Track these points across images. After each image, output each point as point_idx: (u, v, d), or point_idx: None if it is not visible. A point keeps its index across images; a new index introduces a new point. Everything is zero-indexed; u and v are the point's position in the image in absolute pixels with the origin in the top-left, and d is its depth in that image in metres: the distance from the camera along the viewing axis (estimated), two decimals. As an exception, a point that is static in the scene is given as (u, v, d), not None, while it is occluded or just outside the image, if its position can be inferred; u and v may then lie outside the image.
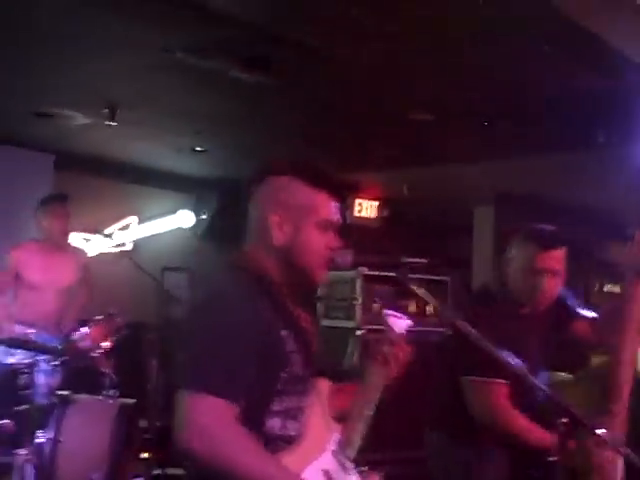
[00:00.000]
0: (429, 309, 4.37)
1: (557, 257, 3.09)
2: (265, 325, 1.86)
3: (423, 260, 3.31)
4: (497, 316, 3.01)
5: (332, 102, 5.01)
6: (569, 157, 5.78)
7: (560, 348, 3.24)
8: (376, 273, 3.99)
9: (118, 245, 6.82)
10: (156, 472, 4.69)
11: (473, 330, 2.07)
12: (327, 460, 1.96)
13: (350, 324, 3.93)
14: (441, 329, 4.37)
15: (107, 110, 5.19)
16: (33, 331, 4.66)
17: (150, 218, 7.45)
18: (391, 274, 2.38)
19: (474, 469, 3.09)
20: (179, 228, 7.65)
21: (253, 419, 1.81)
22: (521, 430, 2.92)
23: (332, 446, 1.99)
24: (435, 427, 3.26)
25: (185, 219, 7.68)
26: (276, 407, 1.87)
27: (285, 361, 1.88)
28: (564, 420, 2.03)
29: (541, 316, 3.15)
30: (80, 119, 5.60)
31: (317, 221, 1.98)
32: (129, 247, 6.85)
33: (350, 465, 2.00)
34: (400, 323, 2.15)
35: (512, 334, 2.71)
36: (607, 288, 8.76)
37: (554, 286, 3.08)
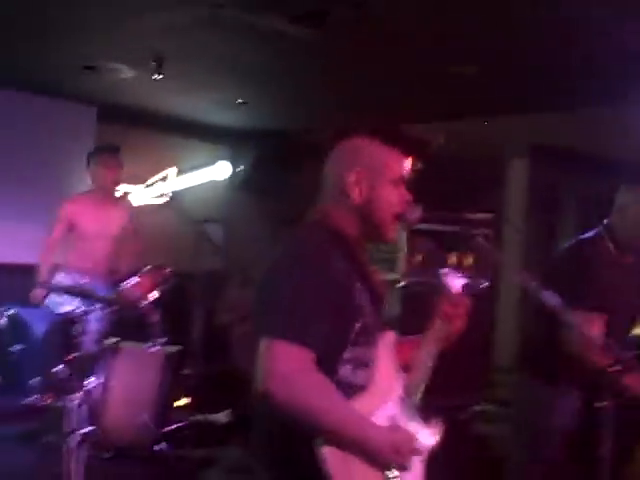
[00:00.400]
0: (467, 262, 4.46)
1: None
2: (342, 279, 1.97)
3: (486, 215, 3.39)
4: (597, 264, 3.15)
5: (375, 56, 5.02)
6: (603, 111, 5.77)
7: None
8: (419, 227, 4.07)
9: (158, 196, 6.95)
10: (198, 417, 4.85)
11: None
12: (393, 407, 2.07)
13: (393, 276, 4.03)
14: (483, 281, 4.47)
15: (154, 63, 5.24)
16: (86, 280, 4.85)
17: (189, 170, 7.57)
18: (445, 228, 2.51)
19: (553, 406, 3.32)
20: (216, 180, 7.77)
21: (327, 366, 1.91)
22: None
23: (398, 394, 2.10)
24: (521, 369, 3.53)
25: (222, 171, 7.77)
26: (348, 355, 1.97)
27: (359, 313, 2.00)
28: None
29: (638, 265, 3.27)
30: (126, 72, 5.67)
31: (391, 178, 2.10)
32: (168, 198, 6.96)
33: (414, 412, 2.12)
34: (457, 281, 2.26)
35: (612, 279, 2.79)
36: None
37: None
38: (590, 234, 3.40)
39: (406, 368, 2.16)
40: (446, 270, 2.30)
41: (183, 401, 4.94)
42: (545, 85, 5.35)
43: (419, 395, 2.14)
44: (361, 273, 2.06)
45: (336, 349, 1.95)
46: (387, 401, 2.06)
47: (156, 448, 4.33)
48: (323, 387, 1.87)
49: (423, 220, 2.23)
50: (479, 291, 3.87)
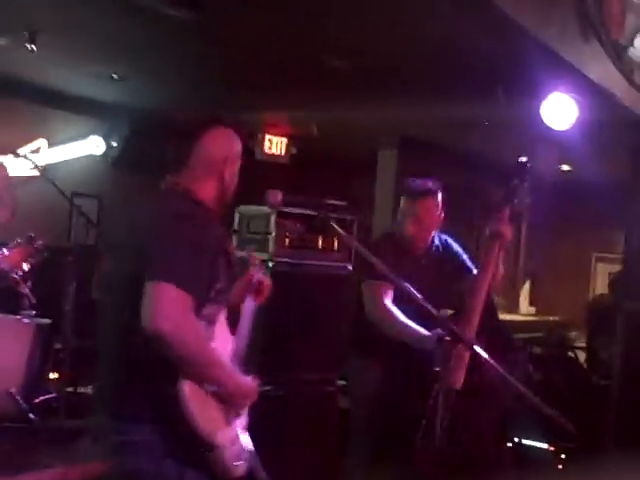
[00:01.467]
0: (335, 245, 4.72)
1: (424, 205, 3.76)
2: (213, 243, 2.25)
3: (342, 203, 3.72)
4: (393, 252, 3.61)
5: (251, 43, 5.19)
6: (470, 107, 6.17)
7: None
8: (288, 210, 4.29)
9: (29, 168, 6.84)
10: (68, 390, 4.90)
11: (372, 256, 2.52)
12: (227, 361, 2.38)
13: (264, 256, 4.23)
14: (346, 264, 4.77)
15: (27, 33, 5.19)
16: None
17: (61, 142, 7.48)
18: (312, 212, 2.82)
19: (363, 378, 3.83)
20: (89, 154, 7.71)
21: None
22: (399, 322, 3.53)
23: (230, 352, 2.42)
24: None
25: (96, 145, 7.74)
26: (205, 311, 2.22)
27: (219, 275, 2.27)
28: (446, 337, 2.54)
29: (428, 263, 3.79)
30: (-1, 40, 5.58)
31: (238, 159, 2.50)
32: (39, 170, 6.86)
33: (241, 366, 2.44)
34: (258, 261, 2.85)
35: (403, 268, 3.16)
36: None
37: (422, 230, 3.78)
38: (384, 233, 4.03)
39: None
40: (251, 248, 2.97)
41: (53, 375, 4.96)
42: (408, 83, 5.68)
43: (243, 352, 2.49)
44: (223, 242, 2.37)
45: (200, 304, 2.19)
46: (224, 355, 2.35)
47: (26, 418, 4.36)
48: (202, 332, 2.16)
49: (285, 203, 2.56)
50: (335, 272, 4.41)
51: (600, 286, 10.26)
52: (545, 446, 5.36)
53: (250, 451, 2.41)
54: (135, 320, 2.05)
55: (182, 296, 2.06)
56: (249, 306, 2.67)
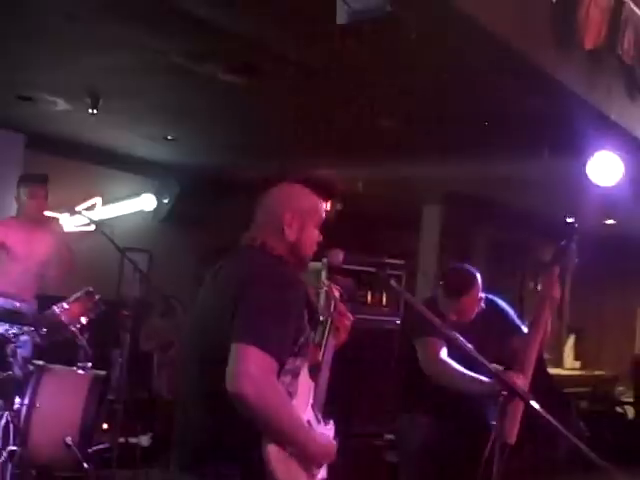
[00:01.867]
0: (384, 300, 4.81)
1: (464, 302, 3.77)
2: (297, 297, 2.27)
3: (399, 262, 3.83)
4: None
5: (300, 105, 5.38)
6: (515, 164, 6.27)
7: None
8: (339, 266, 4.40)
9: (84, 224, 7.07)
10: (121, 440, 5.00)
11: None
12: (309, 412, 2.40)
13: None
14: (395, 318, 4.86)
15: (89, 99, 5.45)
16: (16, 304, 4.96)
17: (114, 200, 7.74)
18: (363, 268, 2.92)
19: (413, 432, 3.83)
20: (141, 211, 7.97)
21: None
22: (458, 372, 3.52)
23: (311, 400, 2.43)
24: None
25: (147, 202, 8.00)
26: (289, 366, 2.25)
27: (304, 328, 2.30)
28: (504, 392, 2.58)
29: (475, 327, 3.75)
30: (62, 105, 5.85)
31: (317, 221, 2.49)
32: (92, 227, 7.08)
33: (320, 417, 2.46)
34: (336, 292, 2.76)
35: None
36: (540, 287, 9.43)
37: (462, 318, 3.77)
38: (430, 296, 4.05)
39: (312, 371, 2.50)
40: (327, 282, 2.78)
41: (106, 425, 5.07)
42: (458, 138, 5.81)
43: (322, 401, 2.50)
44: (305, 294, 2.38)
45: (285, 361, 2.23)
46: (306, 407, 2.38)
47: (81, 468, 4.46)
48: (285, 394, 2.18)
49: (346, 262, 2.63)
50: (384, 326, 4.48)
51: (646, 341, 10.15)
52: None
53: None
54: (221, 382, 2.08)
55: (266, 359, 2.09)
56: (329, 351, 2.64)
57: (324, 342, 2.64)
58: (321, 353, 2.60)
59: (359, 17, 3.25)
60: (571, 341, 10.59)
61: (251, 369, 2.06)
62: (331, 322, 2.68)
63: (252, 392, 2.05)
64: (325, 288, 2.80)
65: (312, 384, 2.46)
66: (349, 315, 2.72)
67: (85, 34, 4.28)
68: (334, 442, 2.38)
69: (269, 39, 4.12)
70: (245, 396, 2.05)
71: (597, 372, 9.69)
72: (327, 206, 2.53)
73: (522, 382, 3.23)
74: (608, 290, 10.17)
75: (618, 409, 7.33)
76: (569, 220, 3.64)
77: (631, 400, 7.56)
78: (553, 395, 3.84)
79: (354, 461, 4.69)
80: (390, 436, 5.47)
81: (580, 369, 10.30)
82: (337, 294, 2.77)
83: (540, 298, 3.57)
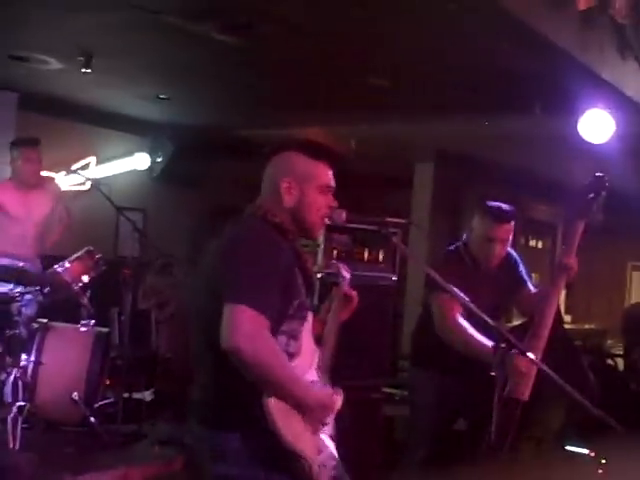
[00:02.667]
0: (381, 257, 4.91)
1: (507, 229, 3.79)
2: (288, 262, 2.38)
3: (402, 220, 3.90)
4: (460, 268, 3.73)
5: (294, 64, 5.41)
6: (507, 122, 6.33)
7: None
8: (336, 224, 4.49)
9: (79, 184, 7.12)
10: (125, 395, 5.12)
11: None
12: (313, 374, 2.52)
13: (313, 268, 4.42)
14: (391, 275, 4.95)
15: (82, 58, 5.45)
16: (19, 264, 5.04)
17: (108, 159, 7.78)
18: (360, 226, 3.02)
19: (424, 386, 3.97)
20: (134, 170, 8.00)
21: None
22: (469, 335, 3.55)
23: (315, 363, 2.54)
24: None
25: (141, 161, 8.03)
26: (284, 327, 2.37)
27: (297, 292, 2.41)
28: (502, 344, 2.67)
29: (494, 275, 3.85)
30: (54, 64, 5.84)
31: (317, 186, 2.53)
32: (87, 186, 7.12)
33: (325, 380, 2.58)
34: (345, 272, 2.88)
35: (471, 282, 3.31)
36: (531, 243, 9.57)
37: (502, 251, 3.82)
38: (453, 247, 4.00)
39: (316, 341, 2.63)
40: (336, 262, 2.92)
41: (108, 382, 5.18)
42: (450, 97, 5.86)
43: (327, 367, 2.62)
44: (298, 259, 2.49)
45: (278, 321, 2.34)
46: (310, 368, 2.50)
47: (87, 422, 4.59)
48: (278, 349, 2.29)
49: (348, 221, 2.72)
50: (380, 282, 4.57)
51: (635, 295, 10.32)
52: (586, 452, 5.44)
53: (336, 459, 2.51)
54: (220, 340, 2.19)
55: (256, 316, 2.19)
56: (334, 319, 2.78)
57: (330, 314, 2.79)
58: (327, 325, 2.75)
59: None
60: (562, 295, 10.72)
61: (244, 326, 2.17)
62: (338, 299, 2.82)
63: (247, 347, 2.16)
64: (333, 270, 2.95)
65: (317, 349, 2.58)
66: (354, 295, 2.85)
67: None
68: (334, 395, 2.47)
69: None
70: (241, 351, 2.15)
71: (587, 325, 9.86)
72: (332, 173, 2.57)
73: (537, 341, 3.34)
74: (598, 244, 10.27)
75: (609, 361, 7.48)
76: (598, 174, 3.61)
77: (621, 352, 7.72)
78: (570, 348, 3.91)
79: (350, 415, 4.81)
80: (395, 390, 5.62)
81: (571, 323, 10.47)
82: (347, 275, 2.88)
83: (558, 268, 3.66)
